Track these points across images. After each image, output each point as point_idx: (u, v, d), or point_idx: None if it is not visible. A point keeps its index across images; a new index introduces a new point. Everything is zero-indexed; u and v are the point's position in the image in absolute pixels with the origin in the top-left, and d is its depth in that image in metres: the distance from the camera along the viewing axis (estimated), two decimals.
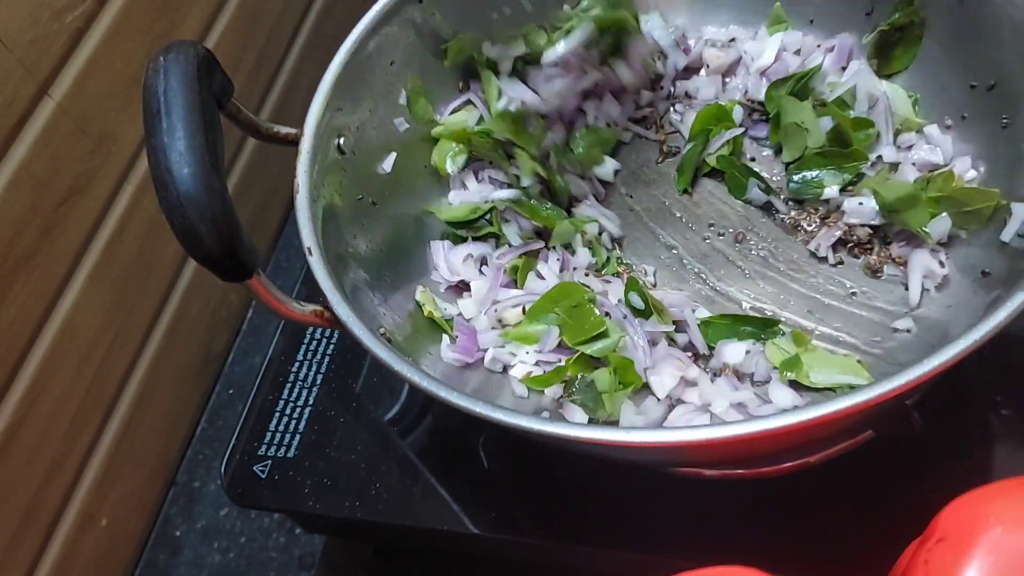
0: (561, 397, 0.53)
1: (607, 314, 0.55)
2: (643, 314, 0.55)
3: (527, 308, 0.57)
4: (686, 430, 0.40)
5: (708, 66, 0.68)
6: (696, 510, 0.53)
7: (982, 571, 0.33)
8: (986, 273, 0.52)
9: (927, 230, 0.55)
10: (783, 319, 0.56)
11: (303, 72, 0.87)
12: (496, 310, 0.58)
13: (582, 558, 0.57)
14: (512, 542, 0.57)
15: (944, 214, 0.55)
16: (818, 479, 0.51)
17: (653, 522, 0.54)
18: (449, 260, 0.61)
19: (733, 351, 0.54)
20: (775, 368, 0.53)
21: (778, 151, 0.64)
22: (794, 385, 0.53)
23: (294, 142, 0.55)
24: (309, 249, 0.50)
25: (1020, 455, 0.52)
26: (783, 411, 0.39)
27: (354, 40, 0.58)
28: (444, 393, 0.44)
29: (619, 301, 0.57)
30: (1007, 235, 0.51)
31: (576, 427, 0.41)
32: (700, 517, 0.53)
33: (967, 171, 0.56)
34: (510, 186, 0.63)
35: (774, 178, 0.63)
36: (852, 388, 0.50)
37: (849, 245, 0.59)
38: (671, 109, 0.69)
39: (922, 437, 0.50)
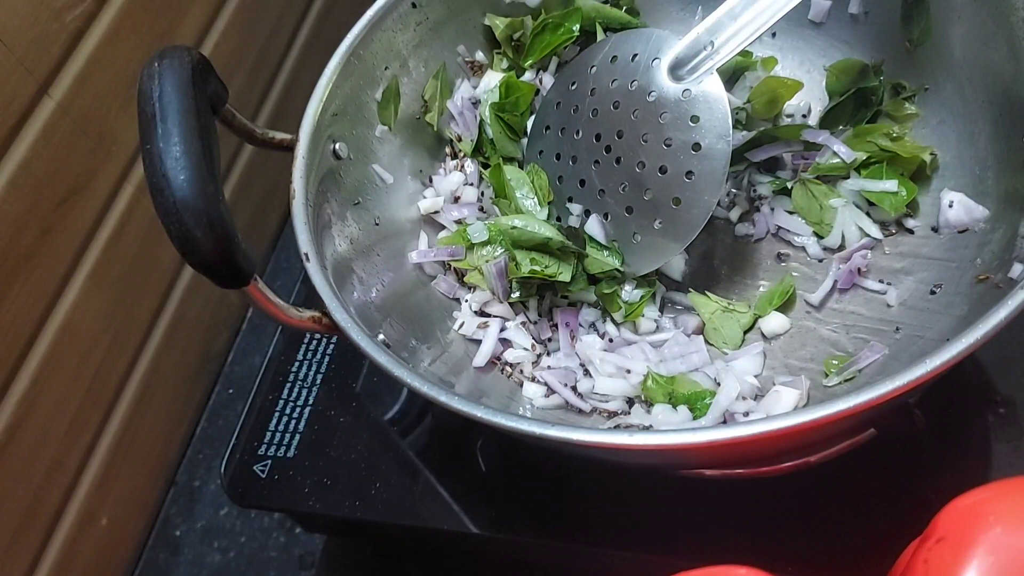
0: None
1: None
2: None
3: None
4: (687, 432, 0.40)
5: None
6: (696, 510, 0.53)
7: (982, 571, 0.33)
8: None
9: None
10: None
11: (303, 73, 0.87)
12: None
13: (582, 558, 0.57)
14: (512, 542, 0.57)
15: None
16: (818, 479, 0.51)
17: (653, 522, 0.54)
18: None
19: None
20: None
21: None
22: None
23: (289, 148, 0.54)
24: (306, 255, 0.50)
25: (1020, 455, 0.52)
26: (787, 413, 0.39)
27: (348, 45, 0.58)
28: (445, 398, 0.43)
29: None
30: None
31: (574, 430, 0.41)
32: (700, 517, 0.53)
33: None
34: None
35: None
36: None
37: None
38: None
39: (922, 437, 0.50)
